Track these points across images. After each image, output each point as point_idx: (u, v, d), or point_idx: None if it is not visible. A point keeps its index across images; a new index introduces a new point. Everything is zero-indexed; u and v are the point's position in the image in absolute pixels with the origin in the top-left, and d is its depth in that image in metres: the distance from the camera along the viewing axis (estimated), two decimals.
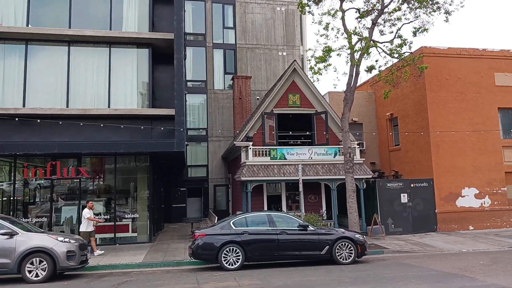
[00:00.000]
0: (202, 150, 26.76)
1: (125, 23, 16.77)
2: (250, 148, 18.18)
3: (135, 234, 16.29)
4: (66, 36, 15.73)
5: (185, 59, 18.83)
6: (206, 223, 18.75)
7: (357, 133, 23.20)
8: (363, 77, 29.65)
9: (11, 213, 15.51)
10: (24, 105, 15.28)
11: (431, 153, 19.28)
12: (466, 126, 19.62)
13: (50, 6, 16.47)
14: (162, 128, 15.75)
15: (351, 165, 16.24)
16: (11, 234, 9.84)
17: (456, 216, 18.98)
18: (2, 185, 16.02)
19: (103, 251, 13.86)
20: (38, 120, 14.71)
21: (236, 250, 11.05)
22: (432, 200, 18.78)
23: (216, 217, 17.44)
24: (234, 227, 11.45)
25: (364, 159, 20.44)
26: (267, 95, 21.65)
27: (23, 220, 14.64)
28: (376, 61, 23.20)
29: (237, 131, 22.82)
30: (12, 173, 15.98)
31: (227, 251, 11.02)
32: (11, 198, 15.88)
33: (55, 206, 16.00)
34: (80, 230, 13.40)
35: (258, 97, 26.65)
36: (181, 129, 15.62)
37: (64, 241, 10.18)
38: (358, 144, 19.63)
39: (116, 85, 16.21)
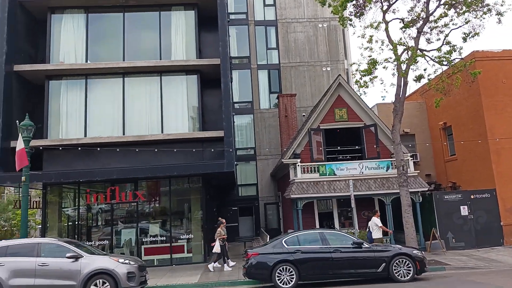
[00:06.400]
0: (251, 169, 27.04)
1: (173, 52, 17.65)
2: (298, 165, 18.16)
3: (190, 255, 16.69)
4: (121, 69, 16.83)
5: (231, 82, 19.39)
6: (258, 242, 18.83)
7: (410, 145, 22.42)
8: (412, 86, 28.76)
9: (76, 236, 16.53)
10: (85, 135, 16.42)
11: (491, 161, 18.18)
12: None
13: (105, 42, 17.75)
14: (212, 150, 16.22)
15: (405, 178, 15.71)
16: (77, 257, 10.46)
17: None
18: (68, 210, 17.17)
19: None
20: (98, 149, 15.73)
21: (289, 269, 11.00)
22: (496, 212, 17.60)
23: (268, 236, 17.47)
24: (286, 246, 11.42)
25: (418, 171, 19.67)
26: (312, 111, 21.63)
27: (87, 243, 15.54)
28: (425, 69, 22.50)
29: (284, 149, 22.90)
30: (76, 199, 17.10)
31: (280, 270, 11.00)
32: (76, 223, 16.95)
33: (115, 229, 16.84)
34: (373, 237, 14.10)
35: (304, 114, 26.66)
36: (230, 150, 15.99)
37: (125, 263, 10.63)
38: (411, 156, 19.00)
39: (168, 111, 17.02)
